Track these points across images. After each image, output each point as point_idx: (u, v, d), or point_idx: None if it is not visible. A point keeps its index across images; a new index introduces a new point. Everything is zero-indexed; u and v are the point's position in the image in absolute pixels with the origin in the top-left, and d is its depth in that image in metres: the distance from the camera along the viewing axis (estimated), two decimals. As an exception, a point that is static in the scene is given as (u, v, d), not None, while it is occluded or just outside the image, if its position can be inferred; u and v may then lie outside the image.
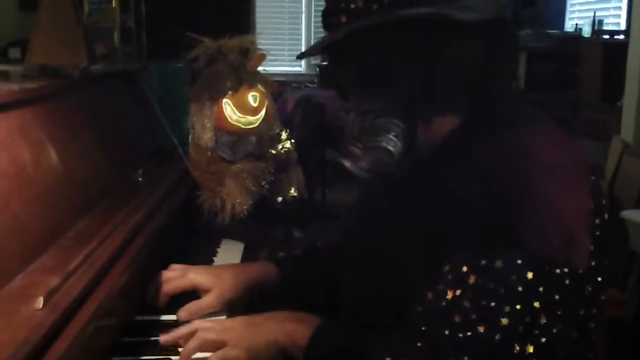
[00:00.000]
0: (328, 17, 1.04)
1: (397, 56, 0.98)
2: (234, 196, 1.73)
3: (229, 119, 1.78)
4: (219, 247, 1.74)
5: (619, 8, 4.66)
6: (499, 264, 0.86)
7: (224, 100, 1.77)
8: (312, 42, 6.20)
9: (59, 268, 0.98)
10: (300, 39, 6.15)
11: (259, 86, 1.81)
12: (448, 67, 0.97)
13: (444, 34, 0.96)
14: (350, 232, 1.27)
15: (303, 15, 6.15)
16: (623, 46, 3.54)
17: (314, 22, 6.16)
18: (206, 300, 1.24)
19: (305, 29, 6.15)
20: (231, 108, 1.78)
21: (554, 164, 0.90)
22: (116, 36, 2.11)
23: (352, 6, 0.98)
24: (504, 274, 0.85)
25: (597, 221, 0.91)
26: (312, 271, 1.37)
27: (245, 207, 1.73)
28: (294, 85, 5.51)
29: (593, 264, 0.89)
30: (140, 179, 1.62)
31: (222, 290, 1.25)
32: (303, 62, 6.13)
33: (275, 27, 5.73)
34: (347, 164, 1.01)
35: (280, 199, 1.86)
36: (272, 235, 1.85)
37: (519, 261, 0.85)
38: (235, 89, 1.75)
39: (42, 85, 1.30)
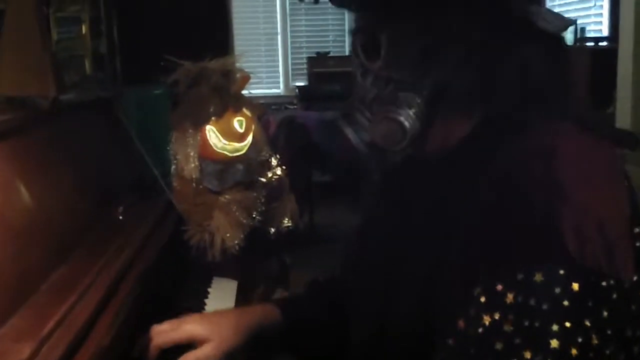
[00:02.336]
0: None
1: (461, 36, 0.85)
2: (224, 230, 1.60)
3: (214, 147, 1.66)
4: (210, 286, 1.60)
5: (600, 15, 4.62)
6: (538, 277, 0.73)
7: (208, 126, 1.65)
8: (290, 63, 6.17)
9: (32, 332, 0.84)
10: (277, 60, 6.05)
11: (245, 110, 1.69)
12: (509, 68, 0.85)
13: (520, 35, 0.85)
14: (352, 257, 1.13)
15: (279, 37, 6.06)
16: (609, 53, 3.48)
17: (290, 42, 6.06)
18: (204, 351, 1.11)
19: (282, 49, 6.06)
20: (216, 135, 1.65)
21: (587, 167, 0.80)
22: (87, 63, 1.98)
23: None
24: (546, 287, 0.73)
25: (636, 230, 0.80)
26: (317, 310, 1.24)
27: (236, 241, 1.60)
28: (273, 107, 5.39)
29: (635, 278, 0.77)
30: (121, 217, 1.48)
31: (221, 339, 1.12)
32: (281, 83, 6.02)
33: (252, 48, 5.62)
34: (348, 131, 0.91)
35: (273, 230, 1.73)
36: (267, 270, 1.71)
37: (562, 271, 0.73)
38: (220, 114, 1.63)
39: (9, 118, 1.16)
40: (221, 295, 1.56)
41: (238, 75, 1.69)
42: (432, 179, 0.92)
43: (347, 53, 6.04)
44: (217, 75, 1.64)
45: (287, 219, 1.74)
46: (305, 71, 5.90)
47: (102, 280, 1.06)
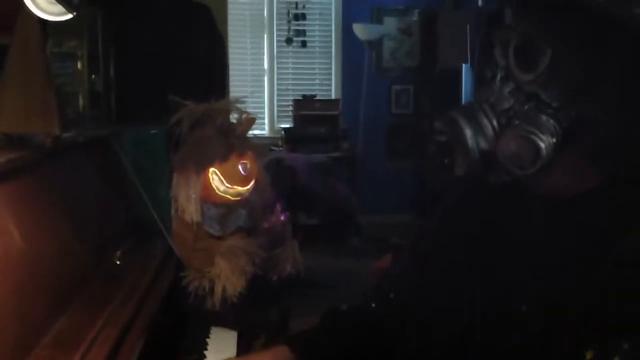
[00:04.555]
0: None
1: (626, 81, 0.78)
2: (225, 277, 1.53)
3: (217, 190, 1.60)
4: (208, 337, 1.52)
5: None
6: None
7: (211, 169, 1.59)
8: (276, 104, 6.15)
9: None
10: (263, 101, 6.02)
11: (249, 153, 1.64)
12: None
13: None
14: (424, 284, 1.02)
15: (266, 78, 6.05)
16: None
17: (277, 84, 6.05)
18: None
19: (268, 90, 6.04)
20: (219, 177, 1.60)
21: None
22: (82, 100, 1.93)
23: None
24: None
25: None
26: (330, 340, 1.15)
27: (238, 289, 1.53)
28: (259, 148, 5.34)
29: None
30: (118, 262, 1.41)
31: None
32: (266, 125, 5.99)
33: (238, 89, 5.59)
34: (466, 130, 0.82)
35: (275, 277, 1.66)
36: (267, 320, 1.64)
37: None
38: (225, 157, 1.57)
39: (10, 159, 1.10)
40: (221, 346, 1.48)
41: (243, 116, 1.65)
42: (548, 219, 0.85)
43: (333, 96, 6.05)
44: (222, 117, 1.59)
45: (289, 266, 1.67)
46: (290, 113, 5.88)
47: (107, 335, 0.99)
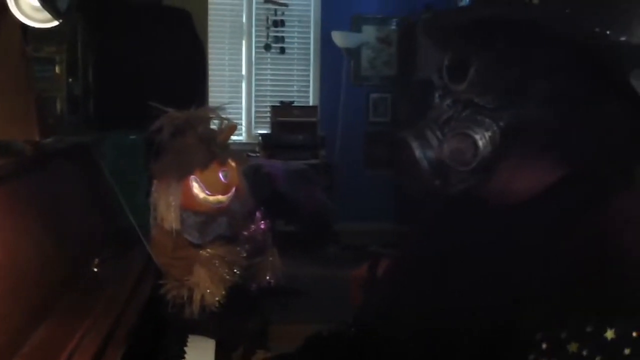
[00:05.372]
0: None
1: (552, 77, 0.83)
2: (205, 286, 1.52)
3: (197, 198, 1.59)
4: (186, 345, 1.51)
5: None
6: (610, 333, 0.71)
7: (192, 176, 1.58)
8: (254, 111, 6.14)
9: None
10: (241, 107, 6.01)
11: (230, 161, 1.63)
12: (592, 123, 0.84)
13: (611, 91, 0.83)
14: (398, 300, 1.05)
15: (243, 84, 6.04)
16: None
17: (255, 90, 6.05)
18: None
19: (246, 97, 6.03)
20: (199, 185, 1.59)
21: None
22: (60, 105, 1.91)
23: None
24: (616, 346, 0.71)
25: None
26: None
27: (217, 298, 1.52)
28: (236, 154, 5.32)
29: None
30: (96, 270, 1.40)
31: None
32: (244, 131, 5.98)
33: (215, 95, 5.57)
34: (414, 146, 0.88)
35: (254, 286, 1.66)
36: (246, 328, 1.63)
37: (634, 334, 0.71)
38: (206, 165, 1.56)
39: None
40: (199, 355, 1.47)
41: (224, 124, 1.64)
42: (506, 222, 0.88)
43: (311, 103, 6.06)
44: (204, 124, 1.58)
45: (269, 275, 1.66)
46: (268, 119, 5.88)
47: (88, 344, 0.97)
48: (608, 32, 0.80)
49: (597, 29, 0.80)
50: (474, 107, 0.87)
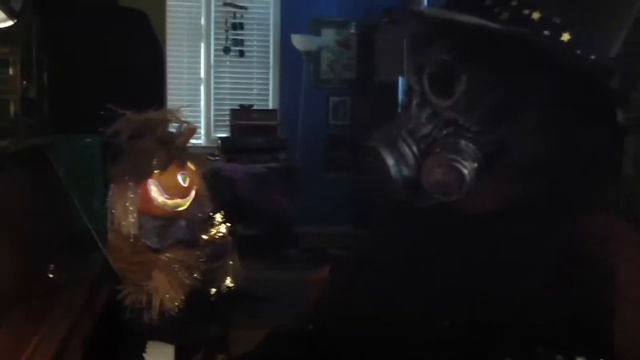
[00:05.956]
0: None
1: (542, 102, 0.79)
2: (164, 290, 1.50)
3: (155, 201, 1.57)
4: (144, 351, 1.49)
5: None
6: None
7: (150, 180, 1.56)
8: (213, 115, 6.10)
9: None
10: (200, 111, 5.96)
11: (189, 164, 1.62)
12: (577, 147, 0.81)
13: (597, 117, 0.80)
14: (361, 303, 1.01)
15: (202, 87, 5.99)
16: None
17: (214, 93, 6.01)
18: None
19: (205, 100, 5.99)
20: (158, 189, 1.57)
21: None
22: (14, 107, 1.86)
23: (525, 12, 0.77)
24: None
25: None
26: None
27: (176, 303, 1.50)
28: (195, 158, 5.27)
29: None
30: (51, 275, 1.36)
31: None
32: (203, 134, 5.93)
33: (173, 97, 5.52)
34: (388, 159, 0.81)
35: (214, 290, 1.64)
36: (206, 333, 1.61)
37: None
38: (165, 168, 1.54)
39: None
40: (158, 361, 1.45)
41: (183, 127, 1.62)
42: (473, 236, 0.85)
43: (270, 106, 6.04)
44: (162, 127, 1.56)
45: (229, 279, 1.65)
46: (227, 123, 5.84)
47: (44, 350, 0.95)
48: (593, 57, 0.79)
49: (578, 51, 0.78)
50: (457, 128, 0.80)
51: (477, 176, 0.79)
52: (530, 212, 0.82)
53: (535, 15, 0.77)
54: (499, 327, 0.76)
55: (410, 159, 0.81)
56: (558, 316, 0.73)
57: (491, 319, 0.77)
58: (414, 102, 0.83)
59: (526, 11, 0.77)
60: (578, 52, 0.78)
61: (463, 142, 0.79)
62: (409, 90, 0.85)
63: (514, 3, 0.78)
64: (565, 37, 0.77)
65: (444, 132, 0.81)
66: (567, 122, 0.79)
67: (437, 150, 0.80)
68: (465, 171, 0.78)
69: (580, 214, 0.80)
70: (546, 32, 0.77)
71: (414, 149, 0.81)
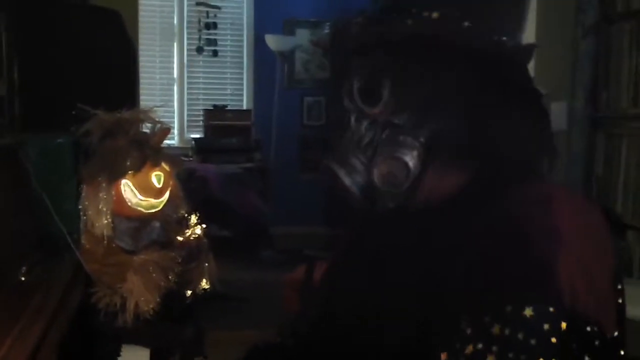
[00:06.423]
0: (393, 10, 0.90)
1: (462, 89, 0.88)
2: (138, 293, 1.48)
3: (129, 202, 1.55)
4: (119, 355, 1.46)
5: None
6: (528, 311, 0.74)
7: (123, 180, 1.54)
8: (186, 114, 6.05)
9: None
10: (173, 111, 5.91)
11: (163, 164, 1.60)
12: (502, 125, 0.89)
13: (516, 94, 0.88)
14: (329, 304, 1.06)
15: (175, 87, 5.94)
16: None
17: (187, 93, 5.96)
18: None
19: (178, 100, 5.94)
20: (131, 190, 1.55)
21: (583, 220, 0.83)
22: (-19, 106, 1.83)
23: (425, 14, 0.87)
24: (535, 322, 0.74)
25: (619, 287, 0.83)
26: None
27: (151, 305, 1.48)
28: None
29: (616, 334, 0.80)
30: (23, 278, 1.34)
31: None
32: (176, 135, 5.88)
33: (146, 97, 5.46)
34: (341, 174, 0.90)
35: (189, 292, 1.62)
36: (182, 336, 1.59)
37: (552, 309, 0.74)
38: (138, 168, 1.52)
39: None
40: (133, 365, 1.43)
41: (157, 127, 1.60)
42: (426, 226, 0.90)
43: (244, 107, 6.01)
44: (135, 127, 1.54)
45: (205, 281, 1.63)
46: (201, 123, 5.80)
47: (16, 354, 0.93)
48: (504, 39, 0.86)
49: (495, 37, 0.86)
50: (392, 128, 0.89)
51: (420, 163, 0.88)
52: (475, 187, 0.89)
53: (435, 15, 0.86)
54: (456, 293, 0.81)
55: (360, 167, 0.90)
56: (507, 273, 0.78)
57: (449, 286, 0.82)
58: (352, 118, 0.92)
59: (426, 13, 0.87)
60: (480, 36, 0.85)
61: (401, 137, 0.88)
62: (346, 111, 0.93)
63: (414, 10, 0.87)
64: (466, 24, 0.86)
65: (384, 135, 0.89)
66: (491, 103, 0.88)
67: (380, 147, 0.89)
68: (407, 158, 0.87)
69: (521, 183, 0.86)
70: (448, 26, 0.86)
71: (362, 158, 0.90)
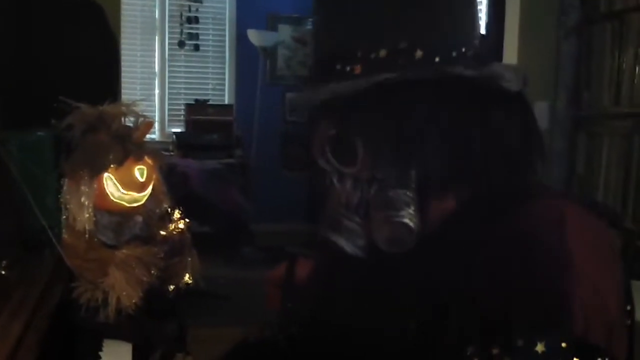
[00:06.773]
0: (332, 64, 0.86)
1: (433, 120, 0.82)
2: (120, 288, 1.46)
3: (111, 197, 1.54)
4: (101, 350, 1.45)
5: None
6: (540, 347, 0.72)
7: (105, 174, 1.53)
8: (167, 109, 6.02)
9: None
10: (154, 105, 5.87)
11: (146, 158, 1.58)
12: (483, 138, 0.84)
13: (487, 99, 0.84)
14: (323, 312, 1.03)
15: (156, 81, 5.90)
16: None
17: (168, 87, 5.93)
18: None
19: (159, 94, 5.90)
20: (114, 184, 1.53)
21: (594, 242, 0.79)
22: (-40, 100, 1.80)
23: (372, 56, 0.83)
24: (547, 357, 0.71)
25: (628, 307, 0.81)
26: None
27: (134, 301, 1.47)
28: (149, 153, 5.19)
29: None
30: (3, 273, 1.32)
31: None
32: (157, 129, 5.84)
33: (127, 91, 5.42)
34: (341, 242, 0.86)
35: (172, 287, 1.61)
36: (164, 332, 1.58)
37: (564, 345, 0.71)
38: (121, 162, 1.51)
39: None
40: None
41: (140, 120, 1.59)
42: (426, 251, 0.86)
43: (226, 102, 5.99)
44: (118, 121, 1.53)
45: (187, 276, 1.62)
46: (182, 118, 5.77)
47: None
48: (463, 49, 0.84)
49: (454, 53, 0.83)
50: (379, 183, 0.85)
51: (419, 214, 0.83)
52: (476, 211, 0.85)
53: (382, 53, 0.83)
54: (463, 321, 0.78)
55: (356, 228, 0.86)
56: (518, 303, 0.74)
57: (457, 315, 0.79)
58: (334, 180, 0.88)
59: (372, 55, 0.83)
60: (437, 59, 0.82)
61: (391, 192, 0.83)
62: (325, 174, 0.89)
63: (359, 54, 0.84)
64: (419, 54, 0.82)
65: (372, 191, 0.85)
66: (471, 124, 0.83)
67: (374, 211, 0.85)
68: (407, 220, 0.82)
69: (524, 198, 0.83)
70: (400, 60, 0.82)
71: (356, 219, 0.86)
